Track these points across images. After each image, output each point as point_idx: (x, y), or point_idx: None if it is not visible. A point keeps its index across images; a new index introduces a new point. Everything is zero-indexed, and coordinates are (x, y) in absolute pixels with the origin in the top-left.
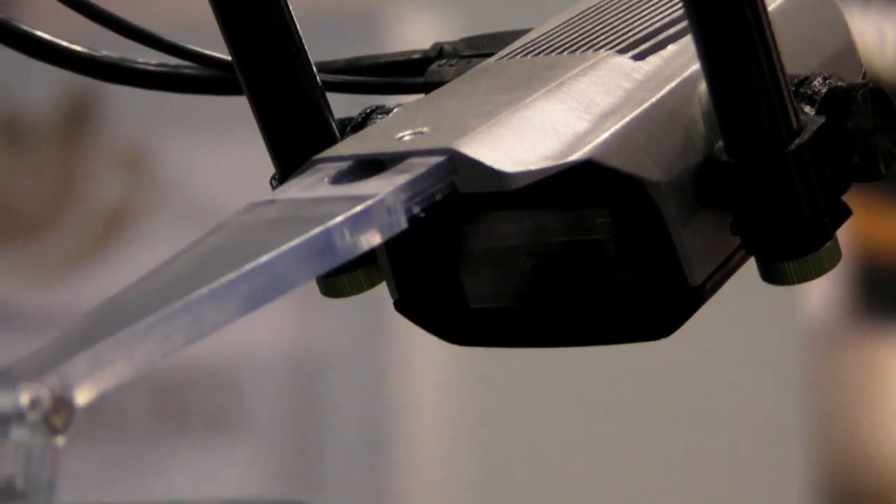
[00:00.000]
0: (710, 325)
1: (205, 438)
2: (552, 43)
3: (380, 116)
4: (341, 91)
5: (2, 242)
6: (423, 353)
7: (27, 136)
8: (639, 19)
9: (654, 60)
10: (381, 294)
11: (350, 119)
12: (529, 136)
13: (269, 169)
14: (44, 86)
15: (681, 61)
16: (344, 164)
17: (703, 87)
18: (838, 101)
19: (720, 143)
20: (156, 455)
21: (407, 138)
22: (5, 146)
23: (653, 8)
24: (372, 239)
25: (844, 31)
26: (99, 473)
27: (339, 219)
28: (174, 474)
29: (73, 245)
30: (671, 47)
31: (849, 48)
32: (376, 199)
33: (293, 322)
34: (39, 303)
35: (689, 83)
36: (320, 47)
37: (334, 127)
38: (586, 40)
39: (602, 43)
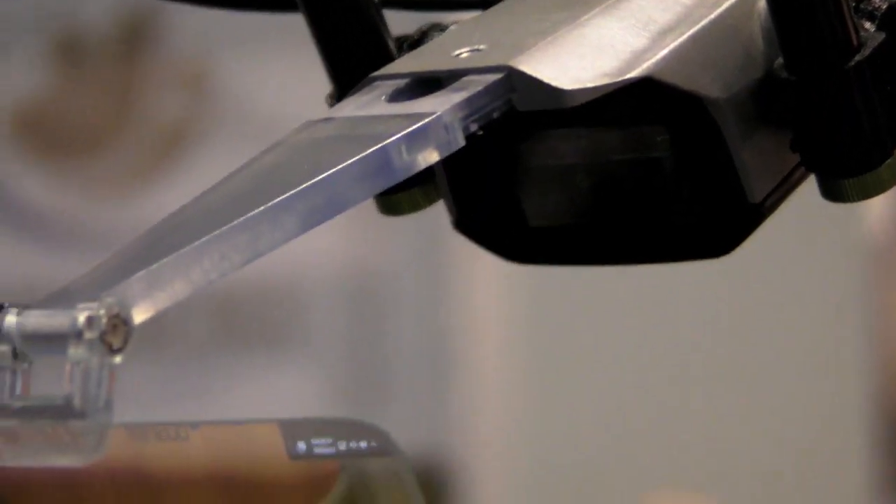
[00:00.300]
0: (770, 242)
1: (266, 356)
2: None
3: (437, 34)
4: (398, 8)
5: (62, 160)
6: (482, 270)
7: (89, 53)
8: None
9: None
10: (440, 212)
11: (407, 37)
12: (587, 53)
13: (326, 87)
14: (105, 4)
15: None
16: (401, 82)
17: (762, 3)
18: None
19: (779, 60)
20: (217, 373)
21: (464, 56)
22: (67, 64)
23: None
24: (429, 157)
25: None
26: (160, 392)
27: (396, 136)
28: (235, 392)
29: (132, 163)
30: None
31: None
32: (434, 116)
33: (354, 239)
34: (98, 220)
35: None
36: None
37: (391, 45)
38: None
39: None
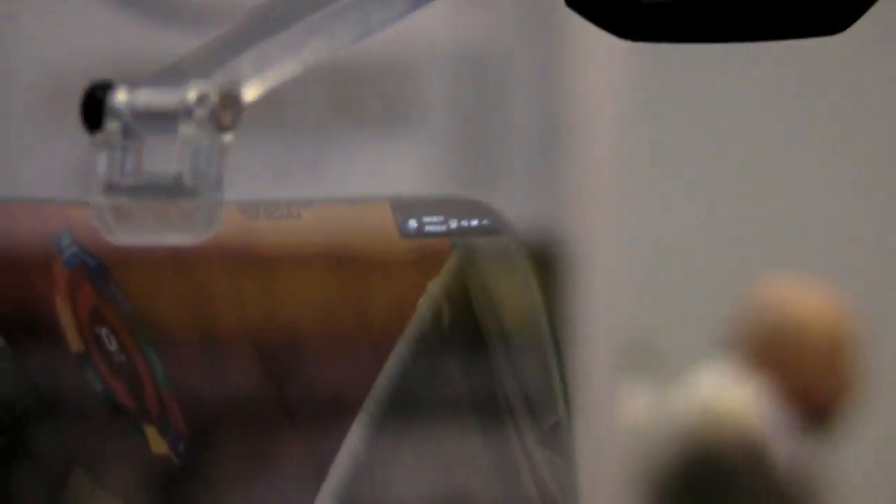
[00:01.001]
0: (885, 20)
1: (379, 134)
2: None
3: None
4: None
5: None
6: (595, 48)
7: None
8: None
9: None
10: None
11: None
12: None
13: None
14: None
15: None
16: None
17: None
18: None
19: None
20: (329, 151)
21: None
22: None
23: None
24: None
25: None
26: (272, 170)
27: None
28: (348, 170)
29: None
30: None
31: None
32: None
33: (468, 18)
34: None
35: None
36: None
37: None
38: None
39: None
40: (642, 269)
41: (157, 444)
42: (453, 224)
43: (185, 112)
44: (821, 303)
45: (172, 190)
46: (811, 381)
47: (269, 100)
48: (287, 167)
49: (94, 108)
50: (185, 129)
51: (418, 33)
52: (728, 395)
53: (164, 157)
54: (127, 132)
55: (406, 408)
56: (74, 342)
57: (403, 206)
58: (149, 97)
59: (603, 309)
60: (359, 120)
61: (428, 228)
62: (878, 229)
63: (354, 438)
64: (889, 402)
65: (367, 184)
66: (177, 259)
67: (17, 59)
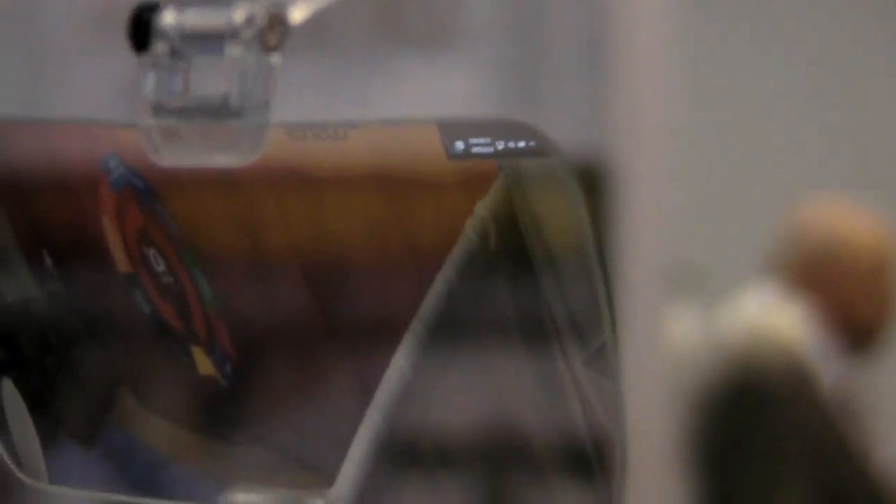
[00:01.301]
0: None
1: (424, 54)
2: None
3: None
4: None
5: None
6: None
7: None
8: None
9: None
10: None
11: None
12: None
13: None
14: None
15: None
16: None
17: None
18: None
19: None
20: (375, 71)
21: None
22: None
23: None
24: None
25: None
26: (318, 92)
27: None
28: (393, 91)
29: None
30: None
31: None
32: None
33: None
34: None
35: None
36: None
37: None
38: None
39: None
40: (688, 191)
41: (204, 366)
42: (500, 145)
43: (233, 33)
44: (864, 225)
45: (219, 111)
46: (855, 303)
47: (316, 21)
48: (333, 89)
49: (141, 30)
50: (233, 50)
51: None
52: (772, 317)
53: (211, 80)
54: (174, 53)
55: (453, 329)
56: (122, 263)
57: (450, 128)
58: (196, 18)
59: (648, 230)
60: (404, 41)
61: (475, 150)
62: None
63: (401, 360)
64: None
65: (412, 105)
66: (224, 180)
67: None
